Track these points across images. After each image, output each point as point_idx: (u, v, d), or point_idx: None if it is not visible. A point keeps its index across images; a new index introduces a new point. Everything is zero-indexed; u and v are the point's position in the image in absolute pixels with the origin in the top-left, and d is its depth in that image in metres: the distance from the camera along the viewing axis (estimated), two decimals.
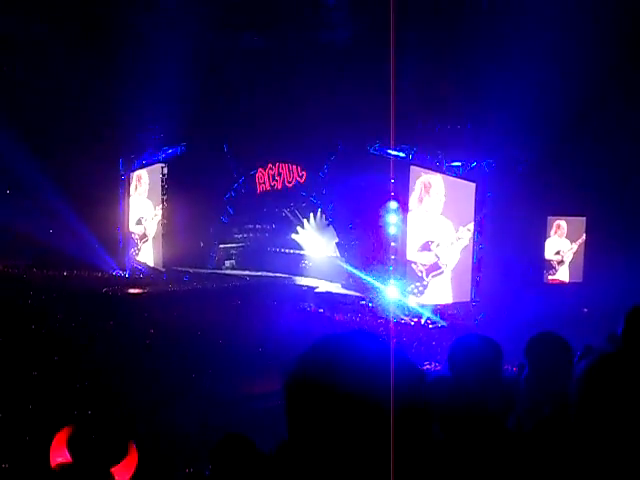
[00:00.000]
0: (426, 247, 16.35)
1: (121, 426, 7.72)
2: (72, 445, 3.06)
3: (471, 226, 15.66)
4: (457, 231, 15.86)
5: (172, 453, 8.04)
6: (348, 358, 1.11)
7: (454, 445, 2.27)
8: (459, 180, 15.91)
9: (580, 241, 16.70)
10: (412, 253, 16.58)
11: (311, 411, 1.10)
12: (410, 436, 1.09)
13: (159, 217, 22.41)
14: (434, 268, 16.28)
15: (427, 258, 16.33)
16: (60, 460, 2.95)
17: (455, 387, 2.45)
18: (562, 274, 16.94)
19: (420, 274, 16.42)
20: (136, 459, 3.20)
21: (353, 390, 1.06)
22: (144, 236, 23.00)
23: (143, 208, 23.10)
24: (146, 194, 22.96)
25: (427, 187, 16.29)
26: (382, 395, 1.06)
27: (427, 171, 16.38)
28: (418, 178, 16.45)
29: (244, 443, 3.73)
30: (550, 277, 16.89)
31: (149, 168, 22.71)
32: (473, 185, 15.65)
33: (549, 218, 16.82)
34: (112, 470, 2.86)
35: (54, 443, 3.05)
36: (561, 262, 16.92)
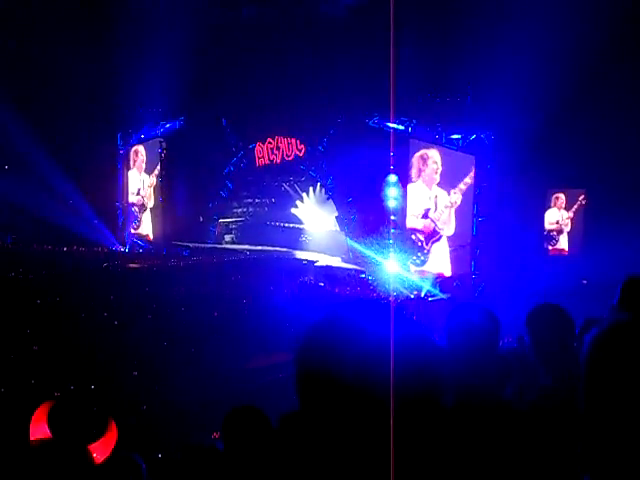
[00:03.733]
0: (424, 215, 16.43)
1: (101, 403, 7.78)
2: (52, 421, 3.02)
3: (462, 185, 15.70)
4: (449, 195, 15.95)
5: (174, 425, 8.11)
6: (359, 330, 1.10)
7: (453, 415, 2.28)
8: (457, 153, 15.91)
9: (576, 207, 16.71)
10: (411, 220, 16.62)
11: (323, 385, 1.09)
12: (420, 410, 1.08)
13: (157, 190, 22.30)
14: (433, 235, 16.33)
15: (425, 225, 16.39)
16: (39, 435, 2.92)
17: (451, 357, 2.45)
18: (562, 243, 16.98)
19: (420, 243, 16.46)
20: (115, 437, 3.17)
21: (363, 363, 1.05)
22: (142, 207, 22.96)
23: (141, 181, 23.01)
24: (144, 168, 22.88)
25: (425, 159, 16.31)
26: (394, 369, 1.05)
27: (426, 144, 16.33)
28: (416, 153, 16.42)
29: (257, 415, 3.73)
30: (551, 247, 16.93)
31: (147, 143, 22.61)
32: (472, 157, 15.61)
33: (549, 191, 16.80)
34: (90, 447, 2.81)
35: (34, 418, 3.01)
36: (560, 231, 16.95)
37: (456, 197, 15.92)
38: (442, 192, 16.14)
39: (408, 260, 16.50)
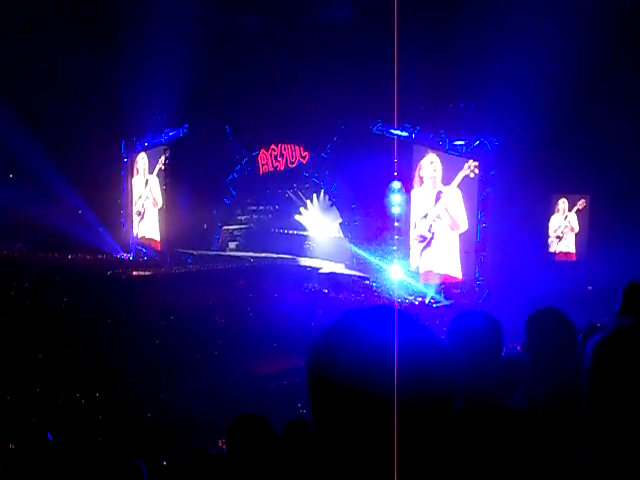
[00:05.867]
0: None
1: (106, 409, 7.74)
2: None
3: (456, 181, 15.74)
4: (443, 193, 15.99)
5: (179, 432, 8.11)
6: (372, 335, 1.10)
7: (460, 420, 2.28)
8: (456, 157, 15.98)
9: (575, 211, 16.73)
10: (413, 226, 16.81)
11: (336, 390, 1.08)
12: (432, 417, 1.08)
13: (158, 191, 22.28)
14: (423, 239, 16.45)
15: (419, 232, 16.54)
16: None
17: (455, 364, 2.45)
18: (569, 247, 16.96)
19: (413, 248, 16.66)
20: None
21: (377, 368, 1.05)
22: (141, 213, 23.02)
23: (143, 187, 23.02)
24: (145, 173, 22.90)
25: (425, 164, 16.44)
26: (408, 375, 1.05)
27: (430, 150, 16.33)
28: (421, 160, 16.47)
29: (260, 423, 3.74)
30: (557, 250, 16.94)
31: (150, 150, 22.65)
32: (476, 164, 15.60)
33: (553, 196, 16.78)
34: None
35: None
36: (561, 237, 16.98)
37: (450, 193, 15.95)
38: (445, 188, 16.19)
39: (406, 266, 16.58)
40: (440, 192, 16.09)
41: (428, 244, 16.39)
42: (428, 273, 16.46)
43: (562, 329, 3.13)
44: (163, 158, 21.96)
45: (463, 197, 15.86)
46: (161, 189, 22.16)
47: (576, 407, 1.59)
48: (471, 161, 15.60)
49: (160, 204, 22.26)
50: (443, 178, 16.09)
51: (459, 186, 15.81)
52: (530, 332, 3.21)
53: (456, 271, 16.12)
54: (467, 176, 15.71)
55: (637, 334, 1.56)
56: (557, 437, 2.27)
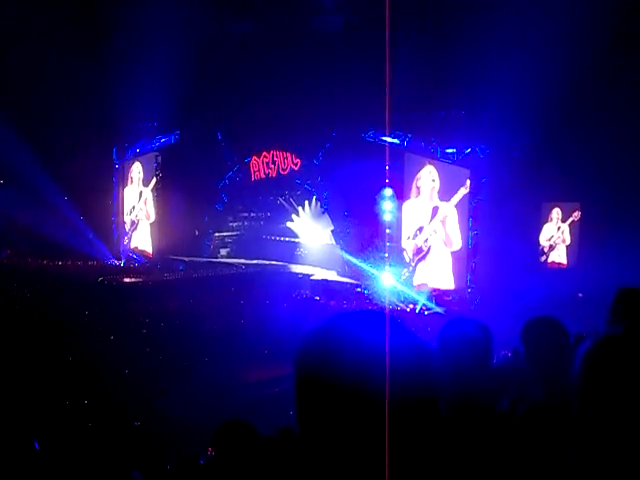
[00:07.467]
0: (415, 236, 16.54)
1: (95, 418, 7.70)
2: None
3: (455, 199, 15.70)
4: (439, 208, 15.97)
5: (168, 440, 8.07)
6: (358, 338, 1.09)
7: (447, 427, 2.27)
8: (453, 166, 15.94)
9: (570, 222, 16.73)
10: (403, 241, 16.77)
11: (322, 392, 1.08)
12: (418, 419, 1.08)
13: (152, 204, 22.26)
14: (418, 252, 16.43)
15: (413, 244, 16.51)
16: None
17: (444, 370, 2.45)
18: (561, 257, 16.98)
19: (408, 260, 16.60)
20: None
21: (363, 370, 1.05)
22: (135, 223, 22.96)
23: (136, 197, 22.98)
24: (140, 183, 22.86)
25: (423, 175, 16.40)
26: (393, 377, 1.04)
27: (421, 158, 16.37)
28: (412, 168, 16.47)
29: (246, 430, 3.73)
30: (549, 260, 16.97)
31: (143, 157, 22.61)
32: (467, 171, 15.64)
33: (544, 204, 16.84)
34: None
35: None
36: (553, 247, 17.00)
37: (447, 210, 15.93)
38: (442, 203, 16.19)
39: (398, 274, 16.58)
40: (437, 207, 16.11)
41: (423, 257, 16.40)
42: (421, 286, 16.48)
43: (559, 337, 3.15)
44: (157, 170, 21.93)
45: (456, 207, 15.91)
46: (153, 196, 22.13)
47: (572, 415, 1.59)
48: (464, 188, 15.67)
49: (153, 218, 22.24)
50: (440, 191, 16.09)
51: (456, 205, 15.84)
52: (527, 340, 3.22)
53: (449, 285, 16.18)
54: (456, 180, 15.79)
55: (625, 342, 1.56)
56: (555, 443, 2.27)
